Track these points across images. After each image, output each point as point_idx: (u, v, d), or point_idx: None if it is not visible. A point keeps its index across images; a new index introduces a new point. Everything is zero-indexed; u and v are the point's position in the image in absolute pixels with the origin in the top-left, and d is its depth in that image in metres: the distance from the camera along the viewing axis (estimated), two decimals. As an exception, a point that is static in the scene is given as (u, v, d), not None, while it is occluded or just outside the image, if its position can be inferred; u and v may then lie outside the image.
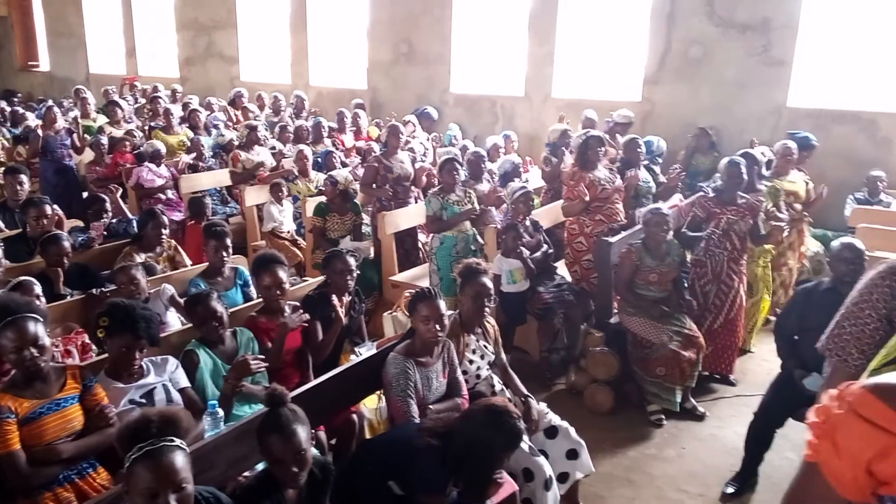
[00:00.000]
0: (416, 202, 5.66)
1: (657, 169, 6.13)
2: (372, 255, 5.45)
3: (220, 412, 2.65)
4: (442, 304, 2.87)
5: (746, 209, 4.52)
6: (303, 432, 1.98)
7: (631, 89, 7.89)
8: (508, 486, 2.79)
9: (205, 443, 2.19)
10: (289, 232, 6.03)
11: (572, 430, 3.19)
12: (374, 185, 5.50)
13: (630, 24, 7.94)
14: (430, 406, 2.89)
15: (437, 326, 2.82)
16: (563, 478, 3.12)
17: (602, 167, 5.18)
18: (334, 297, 3.31)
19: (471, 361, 3.22)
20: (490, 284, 3.19)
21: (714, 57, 7.03)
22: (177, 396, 2.75)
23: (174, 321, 3.67)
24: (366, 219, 5.75)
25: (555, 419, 3.22)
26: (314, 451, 2.23)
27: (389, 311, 3.46)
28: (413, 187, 5.83)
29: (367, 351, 3.01)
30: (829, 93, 6.79)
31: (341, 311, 3.28)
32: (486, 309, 3.20)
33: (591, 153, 5.07)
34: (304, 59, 10.81)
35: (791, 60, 6.65)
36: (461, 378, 3.08)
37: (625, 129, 6.61)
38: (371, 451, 2.62)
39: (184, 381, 2.83)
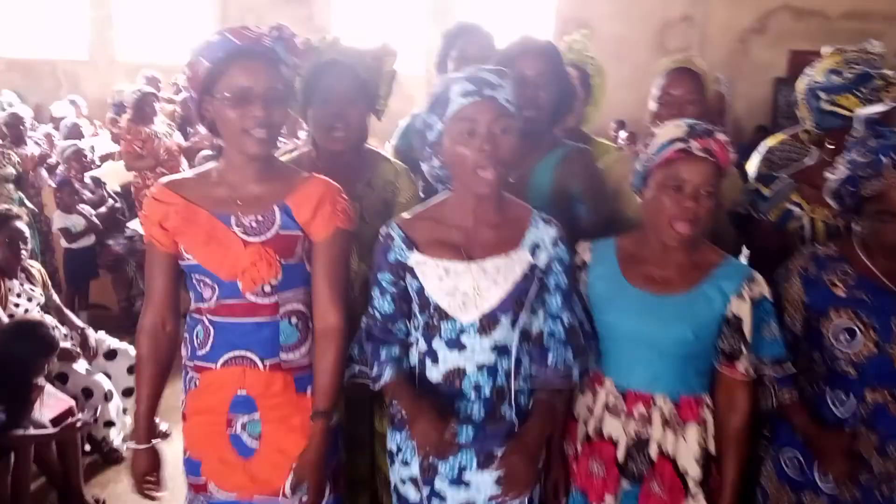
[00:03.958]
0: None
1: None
2: None
3: None
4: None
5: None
6: None
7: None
8: (65, 402, 3.07)
9: None
10: None
11: (132, 349, 3.57)
12: None
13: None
14: None
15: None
16: (129, 392, 3.50)
17: (160, 122, 5.51)
18: None
19: (17, 305, 3.34)
20: (23, 228, 3.35)
21: (268, 24, 7.77)
22: None
23: None
24: None
25: (113, 343, 3.57)
26: None
27: None
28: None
29: None
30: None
31: None
32: (23, 252, 3.35)
33: (148, 108, 5.37)
34: None
35: (330, 28, 7.77)
36: (5, 320, 3.20)
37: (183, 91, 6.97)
38: None
39: None
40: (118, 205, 5.18)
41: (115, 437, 3.35)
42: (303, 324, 1.63)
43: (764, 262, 1.83)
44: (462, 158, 1.46)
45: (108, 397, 3.30)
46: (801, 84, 2.02)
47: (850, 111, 1.83)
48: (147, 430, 1.64)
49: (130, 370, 3.53)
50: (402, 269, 1.57)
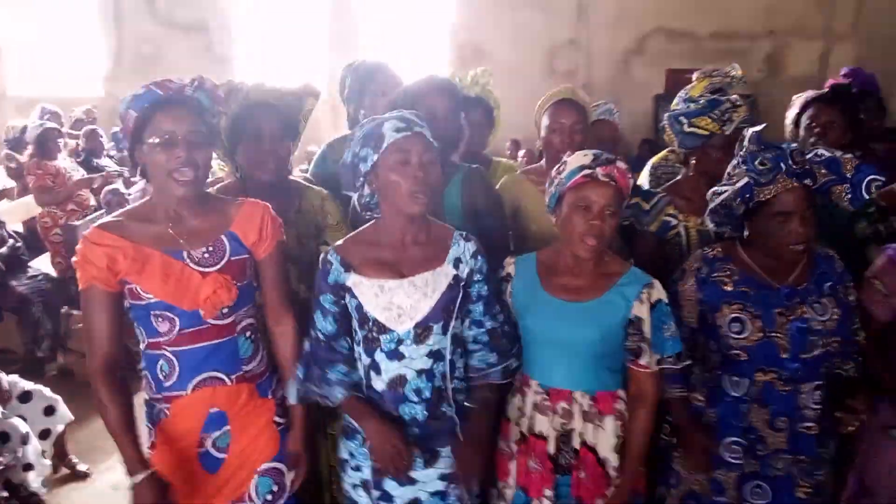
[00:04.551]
0: None
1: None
2: None
3: None
4: None
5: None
6: None
7: (92, 85, 8.04)
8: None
9: None
10: None
11: (46, 391, 3.51)
12: None
13: (80, 22, 8.04)
14: None
15: None
16: (45, 434, 3.43)
17: (63, 158, 5.39)
18: None
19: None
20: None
21: (166, 55, 7.71)
22: None
23: None
24: None
25: (27, 385, 3.49)
26: None
27: None
28: None
29: None
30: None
31: None
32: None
33: (51, 143, 5.26)
34: None
35: (232, 57, 7.79)
36: None
37: (83, 124, 6.83)
38: None
39: None
40: (18, 244, 5.01)
41: (34, 480, 3.26)
42: (255, 335, 1.79)
43: (646, 268, 2.11)
44: (397, 184, 1.64)
45: (25, 440, 3.22)
46: (671, 109, 2.35)
47: (707, 131, 2.17)
48: (140, 460, 1.62)
49: (47, 411, 3.46)
50: (341, 290, 1.73)
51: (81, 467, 3.58)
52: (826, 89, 2.52)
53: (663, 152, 2.78)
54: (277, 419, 1.83)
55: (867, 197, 1.77)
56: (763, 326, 1.85)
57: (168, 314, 1.65)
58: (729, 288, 1.90)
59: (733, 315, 1.88)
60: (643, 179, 2.62)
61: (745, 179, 1.79)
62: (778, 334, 1.84)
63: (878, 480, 2.04)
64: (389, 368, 1.73)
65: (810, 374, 1.87)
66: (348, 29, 7.95)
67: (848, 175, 1.77)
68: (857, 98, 2.60)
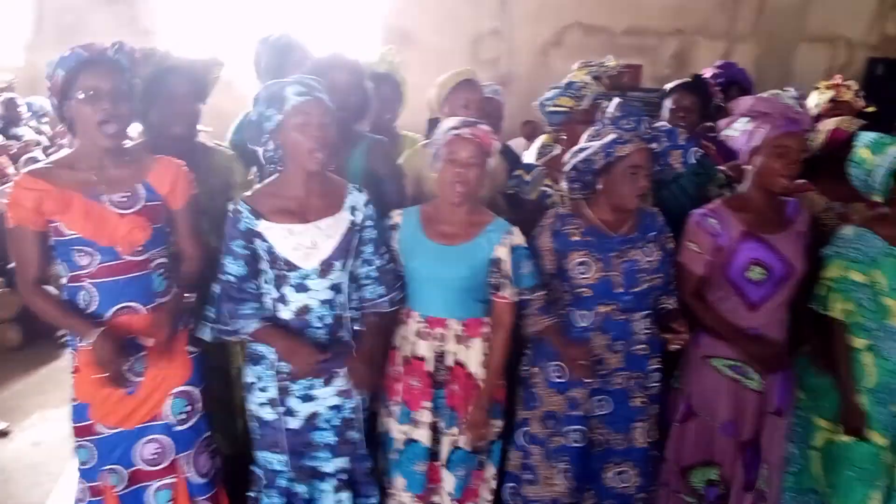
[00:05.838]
0: None
1: (45, 128, 6.55)
2: None
3: None
4: None
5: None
6: None
7: (11, 55, 7.84)
8: None
9: None
10: None
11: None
12: None
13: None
14: None
15: None
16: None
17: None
18: None
19: None
20: None
21: (87, 26, 7.58)
22: None
23: None
24: None
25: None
26: None
27: None
28: None
29: None
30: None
31: None
32: None
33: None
34: None
35: (156, 30, 7.74)
36: None
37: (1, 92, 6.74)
38: None
39: None
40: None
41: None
42: (169, 274, 2.03)
43: (527, 230, 2.44)
44: (299, 143, 1.90)
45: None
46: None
47: (566, 107, 2.57)
48: (88, 324, 1.88)
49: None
50: (252, 236, 1.98)
51: (1, 425, 3.66)
52: (687, 78, 2.95)
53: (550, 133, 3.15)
54: (190, 347, 2.09)
55: (693, 161, 2.21)
56: (603, 267, 2.24)
57: (88, 249, 1.88)
58: (576, 238, 2.27)
59: (579, 259, 2.25)
60: (530, 156, 2.99)
61: (613, 136, 2.15)
62: (614, 273, 2.24)
63: (702, 403, 2.44)
64: (296, 300, 2.00)
65: (640, 305, 2.28)
66: (276, 8, 8.02)
67: (682, 143, 2.19)
68: (709, 86, 3.07)
